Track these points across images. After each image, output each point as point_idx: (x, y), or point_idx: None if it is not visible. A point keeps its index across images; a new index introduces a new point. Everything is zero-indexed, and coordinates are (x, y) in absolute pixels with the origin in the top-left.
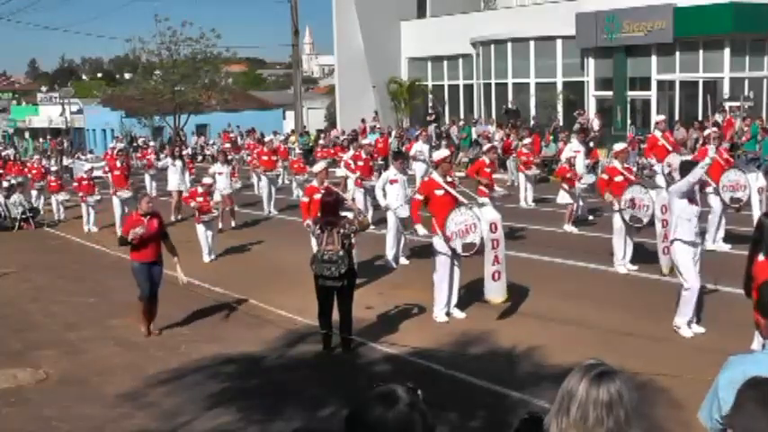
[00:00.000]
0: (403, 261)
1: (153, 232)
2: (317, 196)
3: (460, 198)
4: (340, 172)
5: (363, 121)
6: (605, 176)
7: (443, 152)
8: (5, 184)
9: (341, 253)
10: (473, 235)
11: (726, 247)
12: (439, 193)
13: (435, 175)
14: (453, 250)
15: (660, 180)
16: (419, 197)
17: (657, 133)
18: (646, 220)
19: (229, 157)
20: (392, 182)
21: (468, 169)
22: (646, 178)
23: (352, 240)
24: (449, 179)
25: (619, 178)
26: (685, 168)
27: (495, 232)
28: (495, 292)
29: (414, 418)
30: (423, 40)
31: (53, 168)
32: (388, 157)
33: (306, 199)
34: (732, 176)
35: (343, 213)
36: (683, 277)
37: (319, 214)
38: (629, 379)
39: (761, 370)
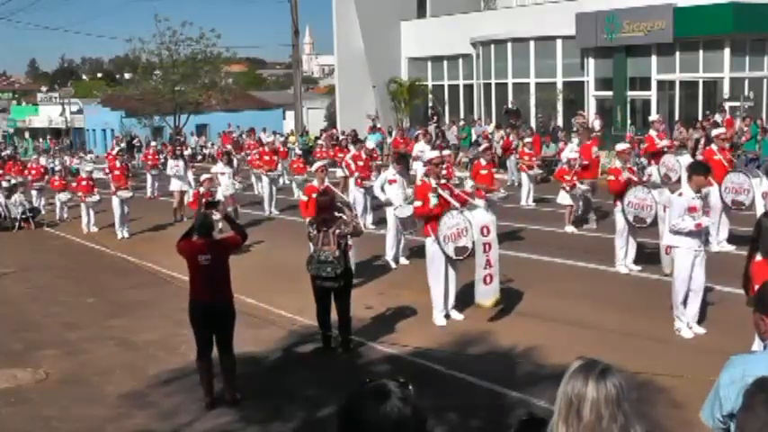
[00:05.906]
0: (403, 261)
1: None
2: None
3: (452, 201)
4: (340, 172)
5: (371, 120)
6: (612, 177)
7: (429, 154)
8: (5, 183)
9: (337, 253)
10: (465, 238)
11: (730, 248)
12: (432, 195)
13: (428, 178)
14: (446, 254)
15: (656, 178)
16: (418, 203)
17: (653, 133)
18: (649, 221)
19: (233, 157)
20: (391, 182)
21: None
22: (648, 176)
23: (349, 241)
24: (442, 181)
25: (622, 178)
26: (694, 168)
27: (486, 235)
28: (486, 296)
29: (405, 413)
30: (423, 40)
31: (57, 168)
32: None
33: (305, 198)
34: (735, 179)
35: (339, 214)
36: (674, 275)
37: (315, 214)
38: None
39: (762, 370)
